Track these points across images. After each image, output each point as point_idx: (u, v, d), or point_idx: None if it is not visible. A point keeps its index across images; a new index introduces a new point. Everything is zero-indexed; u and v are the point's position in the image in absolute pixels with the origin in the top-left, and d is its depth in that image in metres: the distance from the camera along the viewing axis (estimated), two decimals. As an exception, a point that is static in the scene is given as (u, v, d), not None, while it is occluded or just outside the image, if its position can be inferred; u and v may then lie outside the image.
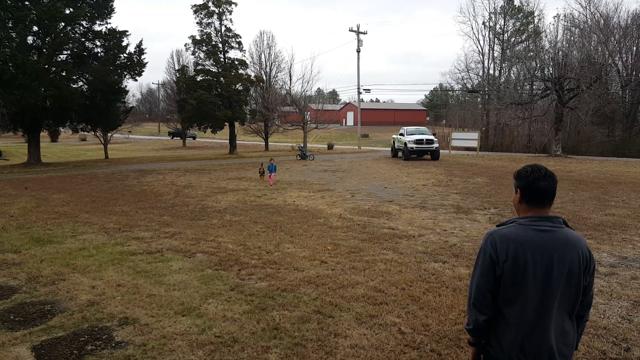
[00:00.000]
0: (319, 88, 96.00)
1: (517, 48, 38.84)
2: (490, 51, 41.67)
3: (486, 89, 38.54)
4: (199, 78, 32.23)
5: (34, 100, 20.77)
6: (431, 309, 4.54)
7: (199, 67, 32.63)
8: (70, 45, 23.97)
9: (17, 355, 3.65)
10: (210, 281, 5.37)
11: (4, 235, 7.83)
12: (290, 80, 36.29)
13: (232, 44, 32.72)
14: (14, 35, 21.87)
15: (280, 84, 37.57)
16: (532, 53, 31.20)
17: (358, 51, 39.80)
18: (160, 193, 13.17)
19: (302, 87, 46.87)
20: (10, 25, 21.74)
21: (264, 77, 36.10)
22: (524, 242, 1.92)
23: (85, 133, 33.29)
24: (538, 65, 29.34)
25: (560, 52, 27.41)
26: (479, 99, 45.89)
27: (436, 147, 24.32)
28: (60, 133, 56.41)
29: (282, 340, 3.87)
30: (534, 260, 1.90)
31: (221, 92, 31.85)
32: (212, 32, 32.14)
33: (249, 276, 5.58)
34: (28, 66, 20.54)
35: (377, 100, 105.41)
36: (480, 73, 42.31)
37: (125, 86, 26.90)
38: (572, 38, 29.96)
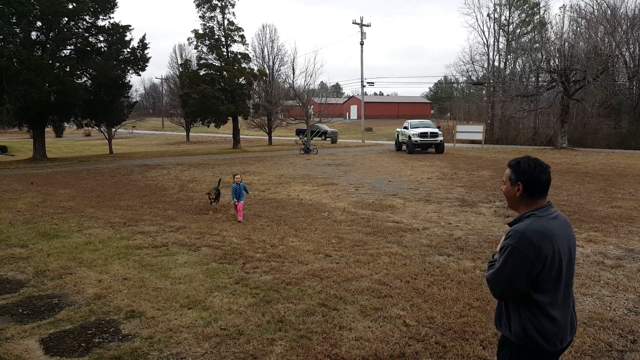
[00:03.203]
0: (322, 82, 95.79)
1: (522, 40, 38.49)
2: (496, 43, 41.33)
3: (491, 81, 38.24)
4: (202, 72, 32.17)
5: (39, 95, 20.82)
6: (436, 301, 4.54)
7: (202, 61, 32.55)
8: (74, 40, 23.97)
9: (26, 348, 3.70)
10: (216, 274, 5.40)
11: (11, 230, 7.90)
12: (294, 73, 36.25)
13: (235, 38, 32.59)
14: (17, 30, 21.89)
15: (283, 77, 37.49)
16: (537, 44, 30.91)
17: (362, 44, 39.54)
18: (164, 187, 13.22)
19: (305, 80, 46.71)
20: (14, 20, 21.75)
21: (267, 71, 35.98)
22: (551, 233, 1.97)
23: (90, 128, 33.45)
24: (544, 56, 29.03)
25: (567, 44, 27.09)
26: (484, 92, 45.59)
27: (440, 140, 24.19)
28: (65, 128, 56.63)
29: (287, 332, 3.89)
30: (560, 248, 1.97)
31: (224, 87, 31.79)
32: (214, 26, 32.03)
33: (253, 269, 5.60)
34: (32, 62, 20.59)
35: (381, 94, 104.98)
36: (485, 65, 42.00)
37: (129, 81, 26.92)
38: (578, 29, 29.64)
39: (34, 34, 23.11)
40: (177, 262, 5.95)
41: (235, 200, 8.63)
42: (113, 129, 31.39)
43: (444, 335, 3.84)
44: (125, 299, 4.68)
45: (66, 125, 40.68)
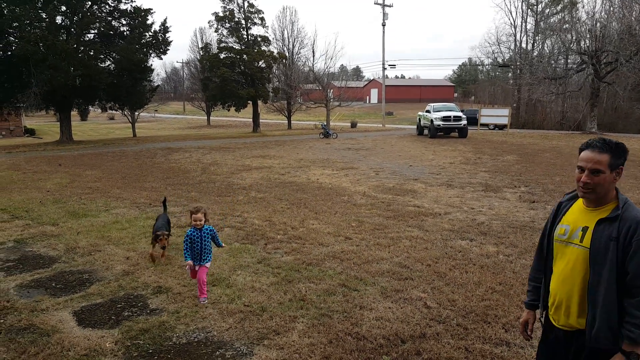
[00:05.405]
0: (342, 65, 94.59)
1: (551, 20, 36.97)
2: (523, 23, 39.90)
3: (518, 63, 37.00)
4: (222, 56, 32.23)
5: (64, 79, 21.33)
6: (457, 285, 4.51)
7: (222, 45, 32.58)
8: (97, 24, 24.33)
9: (60, 319, 3.88)
10: (238, 254, 5.51)
11: (42, 209, 8.22)
12: (314, 56, 36.05)
13: (255, 20, 32.42)
14: (43, 15, 22.33)
15: (303, 60, 37.21)
16: (567, 25, 29.60)
17: (383, 25, 38.75)
18: (187, 170, 13.45)
19: (325, 63, 46.31)
20: (40, 5, 22.18)
21: (287, 54, 35.75)
22: None
23: (114, 112, 34.15)
24: (574, 37, 27.81)
25: (598, 24, 25.85)
26: (510, 74, 44.23)
27: (464, 124, 23.65)
28: (90, 112, 58.08)
29: (309, 310, 3.95)
30: None
31: (244, 70, 31.80)
32: (234, 8, 31.90)
33: (275, 250, 5.68)
34: (58, 46, 21.03)
35: (403, 77, 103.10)
36: (512, 46, 40.67)
37: (151, 65, 27.24)
38: (611, 8, 28.18)
39: (59, 19, 23.54)
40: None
41: (192, 263, 4.15)
42: (136, 113, 31.95)
43: (465, 317, 3.83)
44: (152, 275, 4.84)
45: (91, 108, 41.68)
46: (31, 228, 6.88)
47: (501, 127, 29.80)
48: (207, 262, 4.22)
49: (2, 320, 3.84)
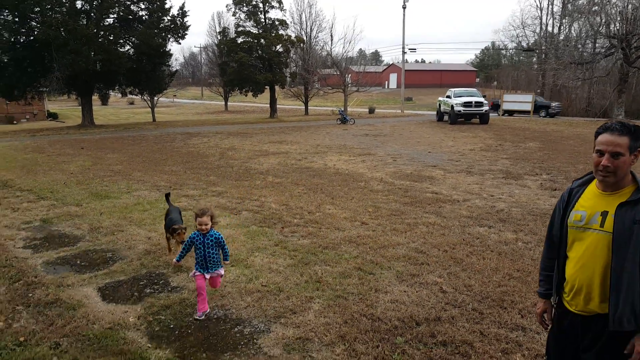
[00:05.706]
0: (360, 49, 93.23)
1: (579, 1, 35.46)
2: (550, 5, 38.53)
3: (543, 47, 35.79)
4: (239, 40, 32.14)
5: (85, 64, 21.70)
6: (474, 271, 4.49)
7: (240, 29, 32.45)
8: (117, 8, 24.54)
9: (85, 295, 4.04)
10: (256, 236, 5.59)
11: (66, 190, 8.48)
12: (332, 40, 35.66)
13: (273, 3, 32.12)
14: (64, 0, 22.63)
15: (321, 44, 36.81)
16: (596, 7, 28.32)
17: (404, 7, 37.89)
18: (206, 155, 13.62)
19: (343, 47, 45.72)
20: (61, -10, 22.48)
21: (305, 38, 35.38)
22: None
23: (134, 97, 34.57)
24: (603, 20, 26.63)
25: (630, 5, 24.67)
26: (534, 59, 42.87)
27: (486, 110, 23.10)
28: (110, 97, 58.98)
29: (325, 292, 4.01)
30: None
31: (261, 54, 31.69)
32: (252, -9, 31.65)
33: (291, 233, 5.74)
34: (78, 31, 21.34)
35: (423, 61, 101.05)
36: (537, 30, 39.30)
37: (170, 49, 27.41)
38: (645, -12, 26.80)
39: (78, 3, 23.83)
40: (219, 224, 6.16)
41: (199, 270, 3.69)
42: (155, 98, 32.30)
43: (481, 302, 3.82)
44: (173, 255, 4.95)
45: (111, 93, 42.31)
46: (56, 208, 7.11)
47: (553, 114, 29.24)
48: (214, 269, 3.66)
49: (30, 295, 4.02)
